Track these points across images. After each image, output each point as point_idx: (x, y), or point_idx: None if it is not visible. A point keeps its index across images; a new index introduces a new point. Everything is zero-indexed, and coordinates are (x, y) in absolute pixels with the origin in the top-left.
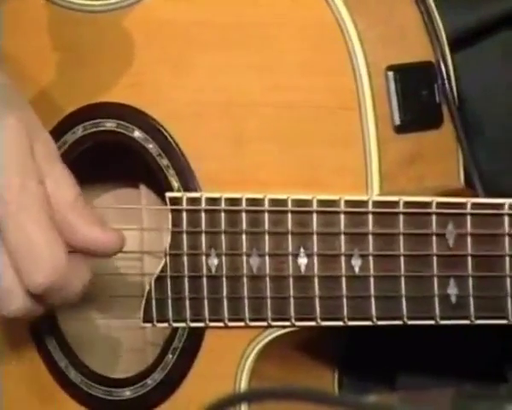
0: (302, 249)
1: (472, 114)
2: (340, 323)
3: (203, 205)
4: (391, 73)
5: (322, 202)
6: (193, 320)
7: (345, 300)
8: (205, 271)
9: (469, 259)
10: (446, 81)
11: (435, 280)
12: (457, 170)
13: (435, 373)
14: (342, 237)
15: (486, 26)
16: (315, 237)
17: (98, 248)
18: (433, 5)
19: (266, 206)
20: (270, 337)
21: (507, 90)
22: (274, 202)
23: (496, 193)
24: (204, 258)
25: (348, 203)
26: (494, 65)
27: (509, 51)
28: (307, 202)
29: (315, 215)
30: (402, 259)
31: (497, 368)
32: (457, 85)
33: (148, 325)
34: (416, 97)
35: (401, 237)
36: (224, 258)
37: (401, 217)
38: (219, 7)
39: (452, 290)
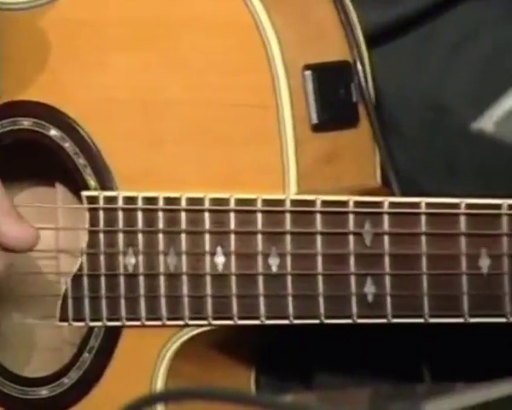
0: (219, 248)
1: (389, 114)
2: (257, 322)
3: (120, 204)
4: (308, 72)
5: (239, 201)
6: (110, 319)
7: (262, 299)
8: (122, 269)
9: (386, 257)
10: (363, 80)
11: (352, 279)
12: (374, 169)
13: (353, 373)
14: (259, 235)
15: (403, 23)
16: (232, 236)
17: (9, 241)
18: (349, 4)
19: (183, 205)
20: (187, 336)
21: (422, 89)
22: (191, 200)
23: (412, 192)
24: (121, 257)
25: (265, 202)
26: (409, 63)
27: (424, 49)
28: (224, 201)
29: (232, 214)
30: (319, 258)
31: (414, 367)
32: (374, 84)
33: (65, 323)
34: (333, 96)
35: (318, 236)
36: (141, 257)
37: (318, 216)
38: (134, 6)
39: (369, 289)
